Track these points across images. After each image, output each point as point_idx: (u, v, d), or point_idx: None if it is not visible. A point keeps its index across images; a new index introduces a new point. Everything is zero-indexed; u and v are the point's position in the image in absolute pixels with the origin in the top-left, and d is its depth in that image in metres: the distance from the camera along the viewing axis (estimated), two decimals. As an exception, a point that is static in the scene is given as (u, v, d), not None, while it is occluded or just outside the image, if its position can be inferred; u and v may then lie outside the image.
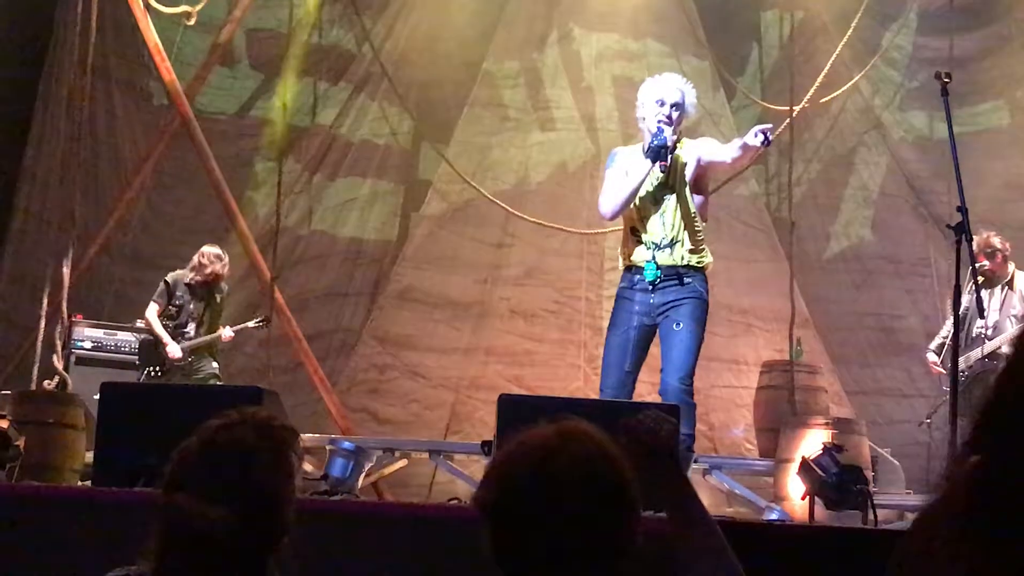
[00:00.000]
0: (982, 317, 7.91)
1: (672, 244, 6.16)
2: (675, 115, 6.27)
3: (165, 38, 10.26)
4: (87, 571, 2.61)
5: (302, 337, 10.54)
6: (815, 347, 10.82)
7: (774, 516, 6.76)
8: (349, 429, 10.00)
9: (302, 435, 7.71)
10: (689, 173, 6.25)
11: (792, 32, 11.38)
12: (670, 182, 6.23)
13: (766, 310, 11.62)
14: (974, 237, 8.00)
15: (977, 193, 8.74)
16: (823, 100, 11.01)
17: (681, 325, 6.07)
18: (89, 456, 6.77)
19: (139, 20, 9.97)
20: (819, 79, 10.70)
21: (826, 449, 6.26)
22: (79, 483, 6.65)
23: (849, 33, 10.77)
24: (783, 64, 11.77)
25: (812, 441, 6.87)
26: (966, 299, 7.50)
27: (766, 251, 11.88)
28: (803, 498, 6.35)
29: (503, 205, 11.39)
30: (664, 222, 6.20)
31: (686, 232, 6.19)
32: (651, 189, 6.25)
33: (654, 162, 6.11)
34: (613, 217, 6.37)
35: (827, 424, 7.32)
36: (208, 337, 9.60)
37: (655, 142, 6.09)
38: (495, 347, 11.63)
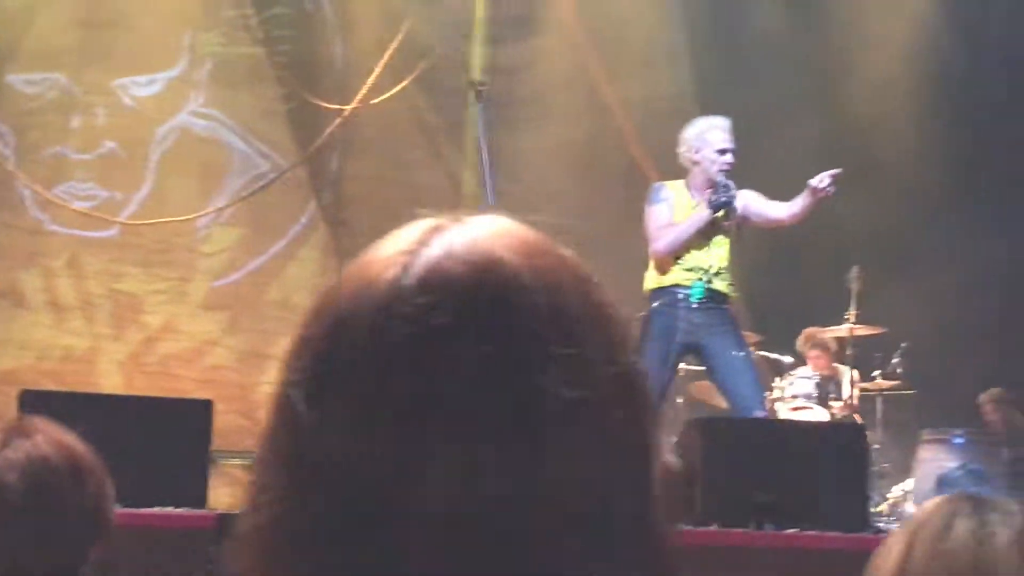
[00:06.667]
0: None
1: (717, 275, 6.42)
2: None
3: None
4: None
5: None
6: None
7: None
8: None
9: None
10: (733, 217, 6.49)
11: (344, 30, 11.44)
12: (719, 223, 6.45)
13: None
14: None
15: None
16: (374, 101, 11.16)
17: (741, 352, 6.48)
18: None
19: None
20: (370, 80, 10.84)
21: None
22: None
23: (400, 38, 10.93)
24: (336, 62, 11.83)
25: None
26: None
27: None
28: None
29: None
30: (710, 254, 6.44)
31: (725, 266, 6.49)
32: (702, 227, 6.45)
33: (714, 212, 6.30)
34: (668, 256, 6.47)
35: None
36: None
37: (724, 198, 6.27)
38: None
